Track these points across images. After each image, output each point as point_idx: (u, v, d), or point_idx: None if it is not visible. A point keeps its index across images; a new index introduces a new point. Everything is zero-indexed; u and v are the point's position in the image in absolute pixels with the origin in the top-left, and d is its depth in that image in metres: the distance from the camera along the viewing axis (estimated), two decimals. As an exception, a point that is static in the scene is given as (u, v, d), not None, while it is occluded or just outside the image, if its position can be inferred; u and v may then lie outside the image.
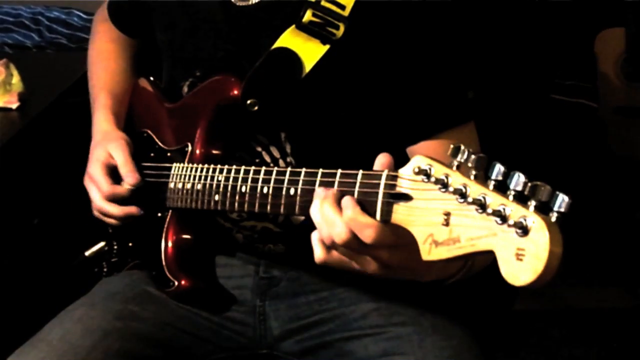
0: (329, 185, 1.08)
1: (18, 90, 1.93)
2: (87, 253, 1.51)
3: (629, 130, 2.98)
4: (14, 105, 1.91)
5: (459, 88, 1.32)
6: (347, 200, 1.03)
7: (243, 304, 1.39)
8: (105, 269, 1.50)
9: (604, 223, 2.94)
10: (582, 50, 2.97)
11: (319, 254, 1.08)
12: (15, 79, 1.95)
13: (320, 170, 1.10)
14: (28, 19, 2.69)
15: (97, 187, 1.43)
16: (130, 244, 1.46)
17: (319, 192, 1.07)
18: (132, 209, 1.41)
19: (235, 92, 1.30)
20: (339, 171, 1.07)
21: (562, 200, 0.85)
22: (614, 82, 2.98)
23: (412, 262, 1.05)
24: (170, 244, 1.35)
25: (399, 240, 1.02)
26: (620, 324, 2.74)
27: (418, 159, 0.98)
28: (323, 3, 1.26)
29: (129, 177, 1.40)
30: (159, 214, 1.38)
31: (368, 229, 1.01)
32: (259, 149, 1.34)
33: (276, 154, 1.33)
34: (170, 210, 1.37)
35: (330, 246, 1.06)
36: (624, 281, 2.91)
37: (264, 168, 1.20)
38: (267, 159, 1.34)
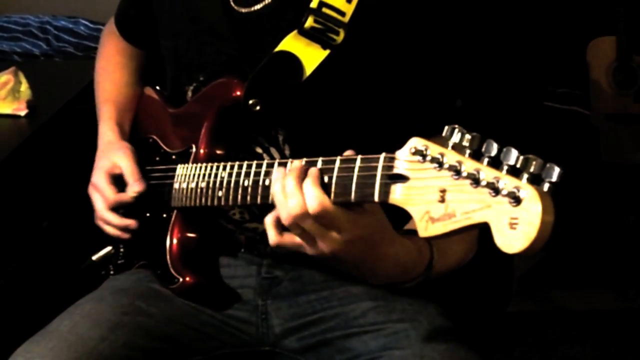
0: (329, 171, 1.11)
1: (26, 98, 1.95)
2: (94, 257, 1.52)
3: (620, 136, 2.99)
4: (23, 112, 1.93)
5: (447, 95, 1.34)
6: (312, 170, 1.10)
7: (246, 302, 1.40)
8: (111, 272, 1.51)
9: (595, 227, 2.94)
10: (574, 59, 2.97)
11: (271, 236, 1.15)
12: (24, 86, 1.96)
13: (320, 159, 1.13)
14: (36, 28, 2.70)
15: (101, 196, 1.45)
16: (136, 246, 1.48)
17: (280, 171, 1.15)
18: (130, 222, 1.44)
19: (238, 92, 1.32)
20: (338, 158, 1.10)
21: (553, 171, 0.87)
22: (605, 89, 2.98)
23: (362, 254, 1.13)
24: (175, 242, 1.37)
25: (344, 224, 1.09)
26: (611, 326, 2.74)
27: (414, 140, 1.00)
28: (324, 10, 1.29)
29: (135, 185, 1.43)
30: (164, 215, 1.40)
31: (314, 200, 1.08)
32: (260, 151, 1.36)
33: (276, 155, 1.35)
34: (175, 211, 1.38)
35: (283, 226, 1.13)
36: (615, 284, 2.91)
37: (265, 161, 1.21)
38: (267, 160, 1.35)
